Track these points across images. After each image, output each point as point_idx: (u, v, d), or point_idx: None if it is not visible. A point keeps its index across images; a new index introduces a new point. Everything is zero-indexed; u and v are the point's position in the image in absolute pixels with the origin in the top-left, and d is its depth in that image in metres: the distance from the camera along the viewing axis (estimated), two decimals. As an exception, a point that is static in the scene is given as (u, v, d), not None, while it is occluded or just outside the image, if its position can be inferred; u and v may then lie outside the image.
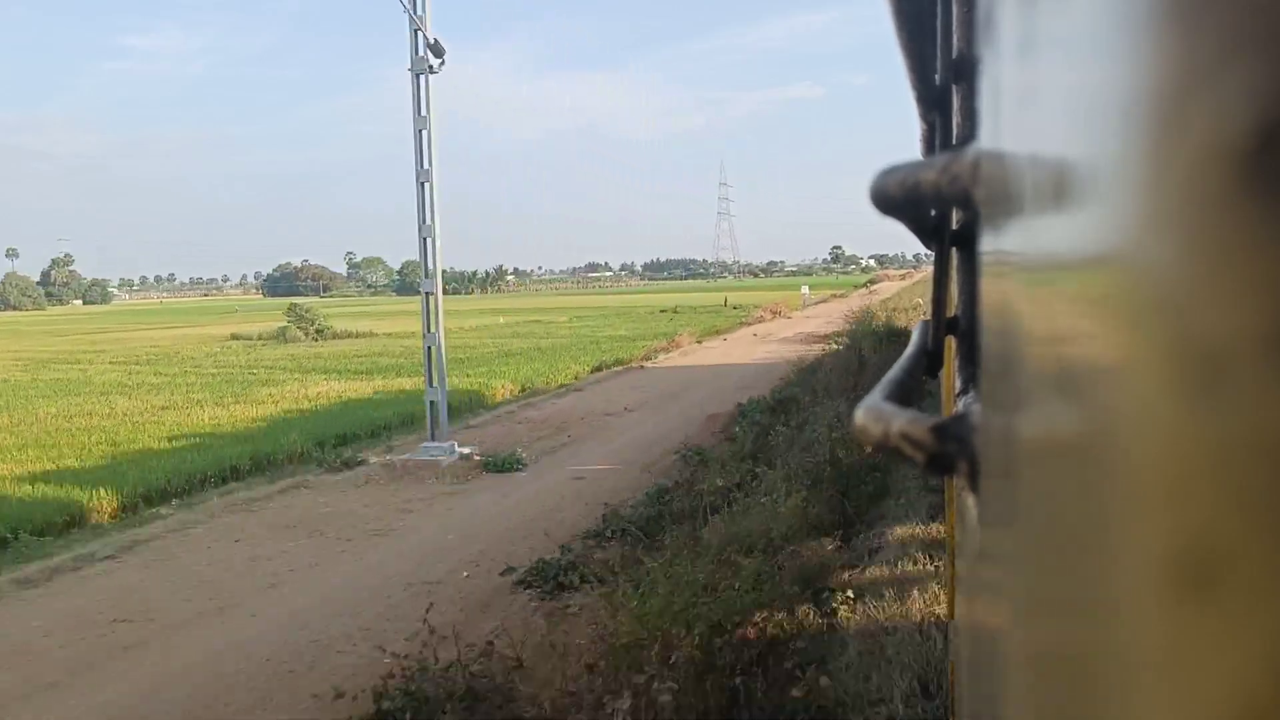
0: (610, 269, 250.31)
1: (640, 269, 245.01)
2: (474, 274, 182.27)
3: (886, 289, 65.48)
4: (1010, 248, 0.44)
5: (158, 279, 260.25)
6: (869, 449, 0.64)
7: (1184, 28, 0.15)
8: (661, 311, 49.28)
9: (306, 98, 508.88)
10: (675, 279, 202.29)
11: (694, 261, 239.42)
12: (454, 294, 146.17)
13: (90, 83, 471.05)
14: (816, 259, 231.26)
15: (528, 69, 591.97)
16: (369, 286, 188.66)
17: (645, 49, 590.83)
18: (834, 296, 61.11)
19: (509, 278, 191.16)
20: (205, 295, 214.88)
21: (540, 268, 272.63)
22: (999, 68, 0.50)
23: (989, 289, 0.68)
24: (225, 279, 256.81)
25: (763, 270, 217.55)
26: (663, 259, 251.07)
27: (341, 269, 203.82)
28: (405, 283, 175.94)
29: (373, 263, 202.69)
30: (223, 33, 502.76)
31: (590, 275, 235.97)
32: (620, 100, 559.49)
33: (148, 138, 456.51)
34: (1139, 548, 0.18)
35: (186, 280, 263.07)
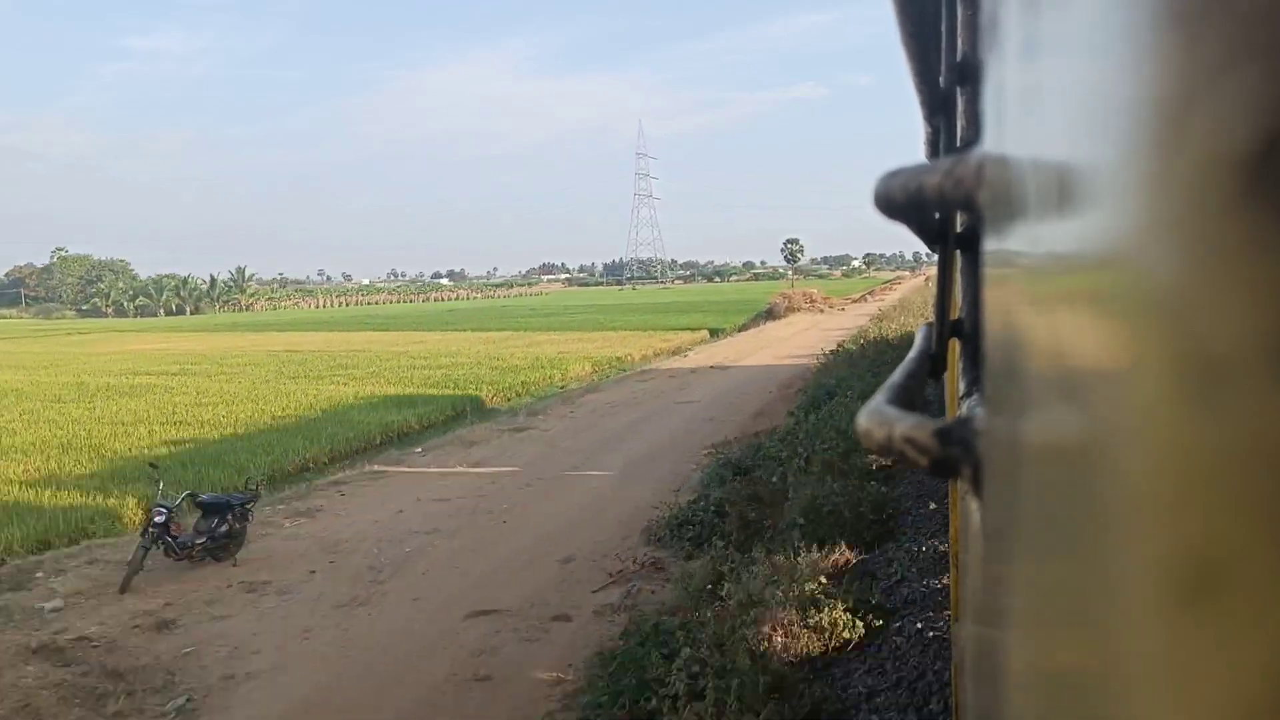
0: (567, 270, 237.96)
1: (600, 269, 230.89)
2: (185, 280, 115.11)
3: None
4: (1014, 251, 0.44)
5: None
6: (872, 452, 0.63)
7: (1186, 34, 0.16)
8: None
9: (307, 99, 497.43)
10: (614, 281, 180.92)
11: (661, 261, 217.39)
12: (142, 314, 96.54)
13: (91, 84, 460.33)
14: (811, 259, 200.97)
15: (527, 69, 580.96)
16: (85, 302, 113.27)
17: (646, 49, 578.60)
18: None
19: (252, 284, 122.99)
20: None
21: (495, 269, 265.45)
22: (1003, 72, 0.50)
23: (993, 293, 0.68)
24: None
25: (718, 273, 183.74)
26: (625, 259, 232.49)
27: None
28: (89, 296, 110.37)
29: (117, 265, 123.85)
30: (223, 33, 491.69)
31: (544, 276, 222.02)
32: (619, 100, 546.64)
33: (146, 138, 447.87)
34: (1141, 553, 0.18)
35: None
